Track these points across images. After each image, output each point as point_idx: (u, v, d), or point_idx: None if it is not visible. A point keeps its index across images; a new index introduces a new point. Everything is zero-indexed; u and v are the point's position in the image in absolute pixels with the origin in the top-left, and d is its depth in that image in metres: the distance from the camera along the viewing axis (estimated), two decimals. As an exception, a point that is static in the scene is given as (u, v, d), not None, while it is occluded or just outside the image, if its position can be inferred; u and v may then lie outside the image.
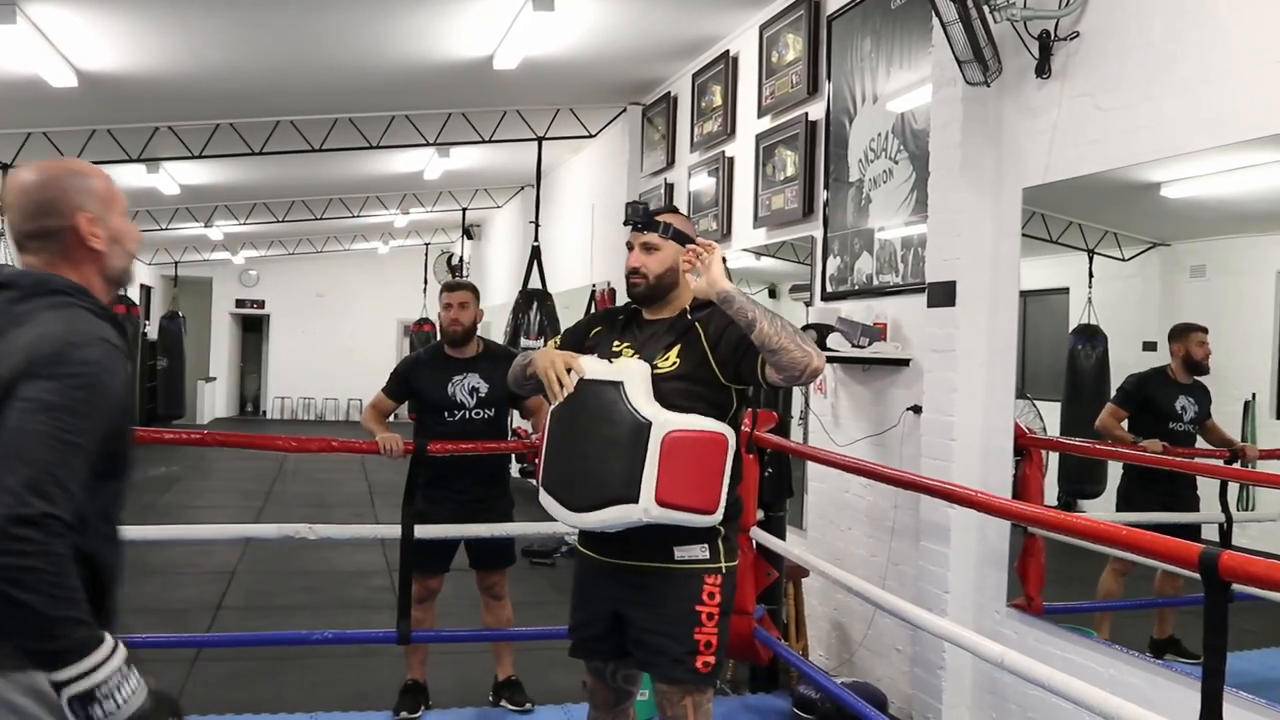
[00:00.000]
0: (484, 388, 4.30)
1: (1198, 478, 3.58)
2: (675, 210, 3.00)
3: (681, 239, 2.85)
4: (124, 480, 1.85)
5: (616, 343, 2.86)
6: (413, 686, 4.37)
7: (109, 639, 1.61)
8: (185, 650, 5.12)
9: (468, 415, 4.29)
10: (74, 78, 6.44)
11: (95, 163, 7.50)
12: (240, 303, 21.33)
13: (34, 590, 1.53)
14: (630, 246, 2.89)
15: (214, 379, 20.59)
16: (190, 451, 14.33)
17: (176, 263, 17.81)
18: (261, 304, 21.36)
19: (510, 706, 4.42)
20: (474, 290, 4.49)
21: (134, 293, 14.61)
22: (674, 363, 2.75)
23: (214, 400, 20.43)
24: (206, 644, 5.28)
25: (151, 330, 16.70)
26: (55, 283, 1.76)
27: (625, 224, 2.93)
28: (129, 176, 9.87)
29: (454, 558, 4.42)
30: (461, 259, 15.62)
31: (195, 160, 8.98)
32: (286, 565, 7.30)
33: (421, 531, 4.15)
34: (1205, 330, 3.36)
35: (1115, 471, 3.83)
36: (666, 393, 2.69)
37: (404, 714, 4.26)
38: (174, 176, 10.31)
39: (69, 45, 6.05)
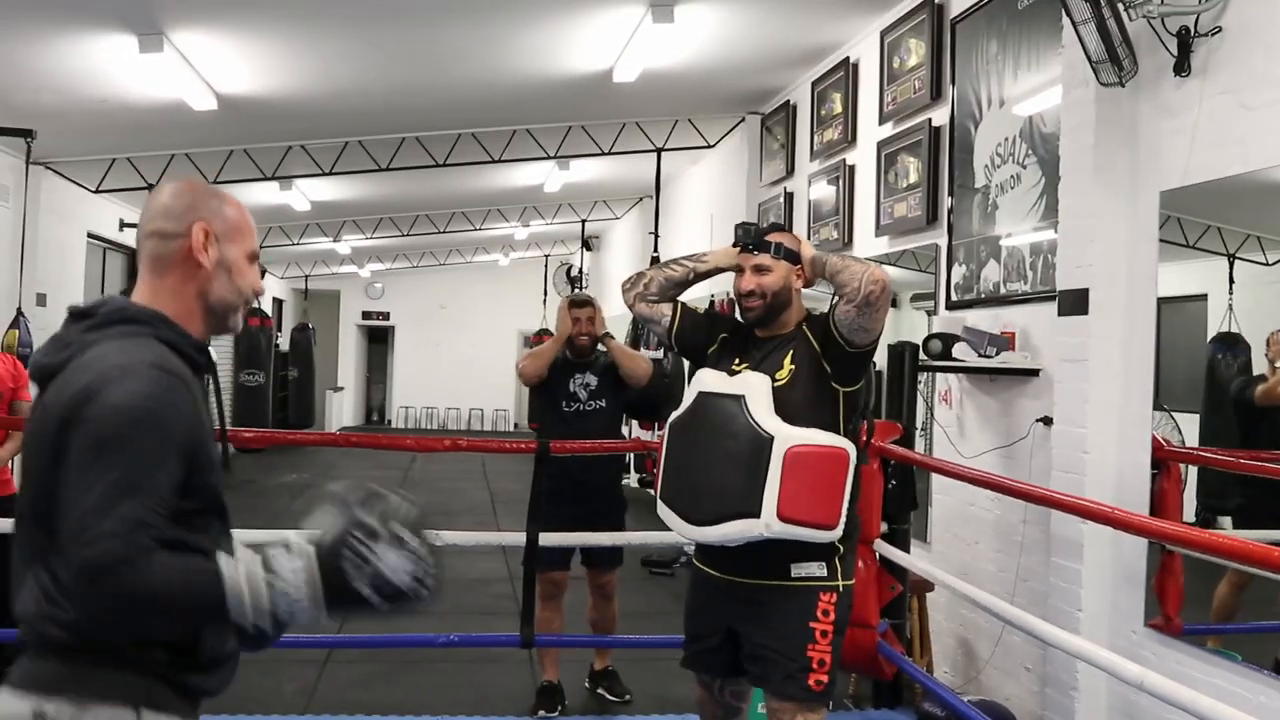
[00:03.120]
0: (594, 382, 4.66)
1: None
2: (782, 228, 3.01)
3: (793, 257, 2.85)
4: (219, 516, 1.72)
5: (737, 361, 2.85)
6: (549, 687, 4.53)
7: (221, 558, 1.53)
8: (317, 651, 5.28)
9: (581, 408, 4.63)
10: (214, 101, 6.73)
11: (232, 181, 7.84)
12: (366, 314, 21.97)
13: (167, 585, 1.47)
14: (740, 270, 2.88)
15: (341, 389, 21.24)
16: (320, 460, 14.80)
17: (306, 276, 18.46)
18: (386, 315, 21.97)
19: (610, 696, 4.65)
20: (596, 304, 4.77)
21: (267, 305, 15.17)
22: (790, 370, 2.75)
23: (341, 409, 21.07)
24: (337, 645, 5.44)
25: (283, 342, 17.32)
26: (131, 311, 1.68)
27: (734, 246, 2.92)
28: (263, 194, 10.28)
29: (574, 554, 4.66)
30: (581, 270, 15.79)
31: (325, 177, 9.28)
32: (412, 571, 7.46)
33: (545, 539, 4.27)
34: None
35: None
36: (785, 405, 2.68)
37: (542, 713, 4.43)
38: (305, 193, 10.69)
39: (210, 70, 6.33)
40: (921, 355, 4.74)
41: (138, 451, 1.51)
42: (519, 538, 4.27)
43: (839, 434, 2.71)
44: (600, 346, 4.68)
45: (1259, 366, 3.51)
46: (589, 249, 16.09)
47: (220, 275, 1.74)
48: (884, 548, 4.31)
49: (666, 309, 3.04)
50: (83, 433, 1.51)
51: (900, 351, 4.68)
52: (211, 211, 1.74)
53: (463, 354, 21.20)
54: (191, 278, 1.72)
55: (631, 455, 9.81)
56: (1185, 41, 3.44)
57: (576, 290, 14.58)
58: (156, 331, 1.66)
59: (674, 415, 2.86)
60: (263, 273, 13.65)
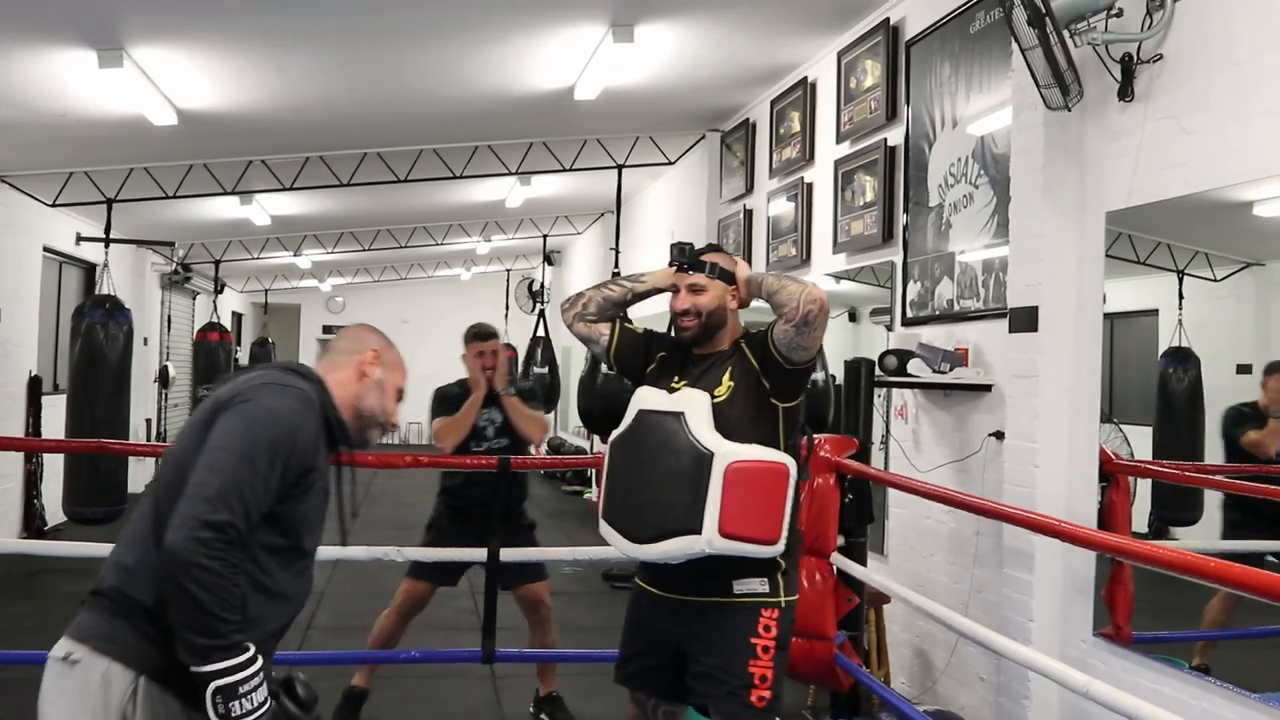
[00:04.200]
0: (499, 418, 4.67)
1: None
2: (718, 248, 3.03)
3: (728, 277, 2.89)
4: (302, 543, 2.09)
5: (676, 379, 2.88)
6: (353, 693, 4.51)
7: (252, 648, 1.88)
8: (277, 668, 5.25)
9: (489, 446, 4.64)
10: (174, 116, 6.69)
11: (192, 196, 7.77)
12: (327, 329, 21.78)
13: (209, 589, 1.80)
14: (676, 289, 2.92)
15: (302, 403, 21.03)
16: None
17: (267, 290, 18.32)
18: (348, 330, 21.82)
19: None
20: (498, 335, 4.77)
21: (226, 319, 15.01)
22: (729, 387, 2.78)
23: (302, 424, 20.87)
24: (298, 662, 5.41)
25: (243, 356, 17.17)
26: (303, 368, 2.21)
27: (670, 265, 2.96)
28: (223, 209, 10.22)
29: (463, 574, 4.65)
30: (542, 285, 15.80)
31: (286, 192, 9.23)
32: (374, 587, 7.42)
33: (507, 555, 4.27)
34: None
35: (1211, 498, 3.74)
36: (725, 421, 2.71)
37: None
38: (266, 208, 10.62)
39: (170, 86, 6.30)
40: (877, 371, 4.82)
41: (268, 441, 1.96)
42: (480, 554, 4.28)
43: (779, 449, 2.73)
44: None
45: (1208, 381, 3.60)
46: (551, 264, 16.09)
47: (375, 389, 2.30)
48: (841, 560, 4.37)
49: (605, 328, 3.07)
50: (232, 415, 1.98)
51: (857, 367, 4.75)
52: (384, 346, 2.37)
53: (424, 368, 20.66)
54: (356, 380, 2.28)
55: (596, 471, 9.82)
56: (1128, 68, 3.55)
57: (537, 300, 14.58)
58: (315, 389, 2.16)
59: (615, 433, 2.87)
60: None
